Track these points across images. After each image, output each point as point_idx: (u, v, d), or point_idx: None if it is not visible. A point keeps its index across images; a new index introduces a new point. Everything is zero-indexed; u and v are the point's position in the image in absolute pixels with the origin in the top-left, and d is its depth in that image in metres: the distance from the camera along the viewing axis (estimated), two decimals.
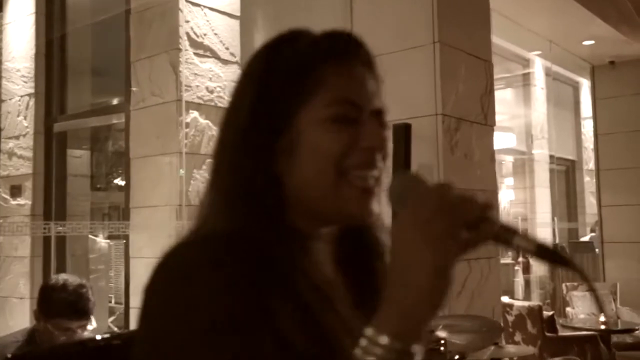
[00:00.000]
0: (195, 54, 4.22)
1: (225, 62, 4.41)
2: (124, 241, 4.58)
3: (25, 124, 5.34)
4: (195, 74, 4.21)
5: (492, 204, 0.67)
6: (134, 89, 4.38)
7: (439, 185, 0.68)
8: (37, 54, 5.33)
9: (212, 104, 4.28)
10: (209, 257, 0.71)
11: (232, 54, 4.45)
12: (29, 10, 5.38)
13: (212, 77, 4.31)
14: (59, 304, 2.23)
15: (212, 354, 0.65)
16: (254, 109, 0.79)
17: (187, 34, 4.19)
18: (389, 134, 0.83)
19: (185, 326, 0.67)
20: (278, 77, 0.80)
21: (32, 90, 5.33)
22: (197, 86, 4.21)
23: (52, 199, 5.27)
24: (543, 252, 0.64)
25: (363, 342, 0.64)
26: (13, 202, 5.36)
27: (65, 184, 5.33)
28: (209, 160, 4.15)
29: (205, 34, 4.29)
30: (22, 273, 5.17)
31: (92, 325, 2.27)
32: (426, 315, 0.64)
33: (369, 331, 0.64)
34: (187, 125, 4.13)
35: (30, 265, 5.13)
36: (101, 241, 5.89)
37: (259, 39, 5.00)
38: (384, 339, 0.63)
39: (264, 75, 0.81)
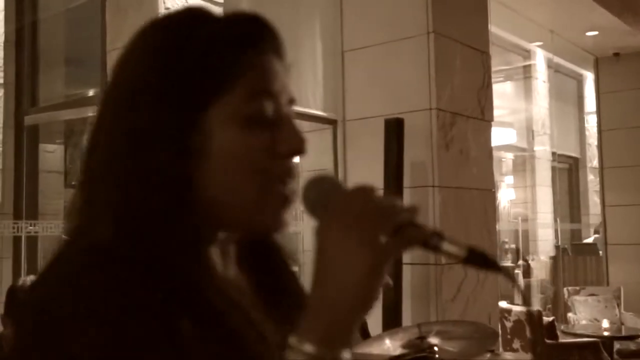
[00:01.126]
0: None
1: None
2: None
3: None
4: None
5: (418, 208, 0.66)
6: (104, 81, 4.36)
7: (362, 188, 0.66)
8: (6, 42, 5.29)
9: None
10: (99, 279, 0.65)
11: None
12: None
13: None
14: None
15: None
16: (155, 99, 0.72)
17: None
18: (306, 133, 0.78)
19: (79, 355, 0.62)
20: (186, 64, 0.72)
21: (1, 81, 5.29)
22: None
23: (23, 197, 5.24)
24: (474, 258, 0.64)
25: (288, 353, 0.62)
26: None
27: (37, 180, 5.30)
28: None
29: None
30: None
31: None
32: (356, 318, 0.63)
33: (293, 340, 0.62)
34: None
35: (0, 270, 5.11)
36: None
37: None
38: (310, 348, 0.61)
39: (168, 60, 0.73)
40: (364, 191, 0.66)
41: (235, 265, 0.81)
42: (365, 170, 3.67)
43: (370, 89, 3.56)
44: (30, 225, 5.09)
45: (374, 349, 2.44)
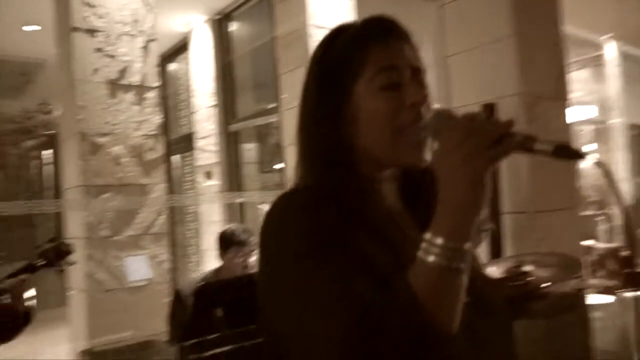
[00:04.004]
0: None
1: None
2: None
3: (211, 127, 5.68)
4: None
5: (513, 121, 0.62)
6: (283, 95, 4.51)
7: (465, 114, 0.64)
8: (215, 77, 5.64)
9: None
10: (300, 204, 0.72)
11: None
12: (209, 45, 5.69)
13: None
14: (232, 238, 2.35)
15: (315, 270, 0.64)
16: (320, 88, 0.78)
17: None
18: (429, 91, 0.78)
19: (289, 253, 0.68)
20: (333, 60, 0.78)
21: (214, 103, 5.65)
22: None
23: (233, 180, 5.59)
24: (560, 149, 0.59)
25: (423, 245, 0.62)
26: (206, 184, 5.75)
27: (240, 169, 5.62)
28: None
29: None
30: (216, 233, 5.54)
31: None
32: (471, 218, 0.62)
33: (427, 235, 0.62)
34: None
35: (221, 227, 5.49)
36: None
37: None
38: (439, 240, 0.61)
39: (323, 60, 0.79)
40: (466, 116, 0.64)
41: (397, 195, 0.82)
42: None
43: (469, 83, 3.40)
44: (240, 197, 5.42)
45: None
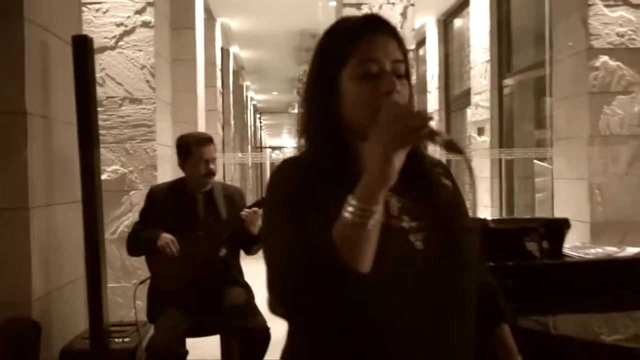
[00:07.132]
0: (605, 5, 3.75)
1: (636, 6, 3.76)
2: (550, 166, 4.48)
3: (485, 83, 5.65)
4: (605, 23, 3.76)
5: (430, 116, 0.74)
6: (555, 45, 4.19)
7: (396, 108, 0.77)
8: (491, 31, 5.54)
9: (623, 46, 3.76)
10: (282, 170, 0.89)
11: None
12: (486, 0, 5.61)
13: (622, 23, 3.76)
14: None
15: (281, 222, 0.83)
16: (316, 71, 0.92)
17: None
18: (410, 80, 0.90)
19: (272, 205, 0.87)
20: (328, 49, 0.91)
21: (488, 58, 5.58)
22: (607, 33, 3.76)
23: (506, 136, 5.49)
24: (447, 144, 0.73)
25: (345, 204, 0.75)
26: (479, 139, 5.80)
27: (512, 123, 5.46)
28: (619, 97, 3.70)
29: None
30: (485, 189, 5.59)
31: None
32: (379, 187, 0.74)
33: (348, 198, 0.75)
34: (597, 68, 3.76)
35: (490, 184, 5.52)
36: (541, 164, 5.70)
37: None
38: (354, 201, 0.74)
39: (320, 49, 0.92)
40: (394, 110, 0.76)
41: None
42: None
43: None
44: (510, 154, 5.28)
45: None
